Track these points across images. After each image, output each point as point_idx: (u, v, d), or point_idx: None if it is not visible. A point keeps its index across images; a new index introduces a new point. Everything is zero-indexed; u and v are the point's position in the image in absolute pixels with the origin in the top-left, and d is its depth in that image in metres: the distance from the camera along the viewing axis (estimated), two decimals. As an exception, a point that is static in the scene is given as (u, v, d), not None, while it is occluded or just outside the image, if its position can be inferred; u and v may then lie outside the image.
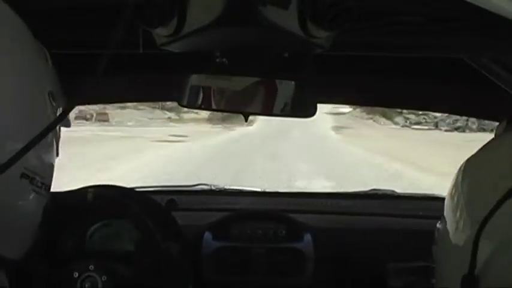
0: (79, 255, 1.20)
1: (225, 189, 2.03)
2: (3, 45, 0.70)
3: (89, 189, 1.32)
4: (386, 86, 1.40)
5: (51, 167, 0.80)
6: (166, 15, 0.73)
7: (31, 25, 0.75)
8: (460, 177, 0.81)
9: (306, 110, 0.98)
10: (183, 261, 1.46)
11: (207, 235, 1.56)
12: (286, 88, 0.95)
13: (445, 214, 0.83)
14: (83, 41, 0.99)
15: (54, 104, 0.79)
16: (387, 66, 1.27)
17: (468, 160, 0.82)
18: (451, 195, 0.81)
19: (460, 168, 0.83)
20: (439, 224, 0.86)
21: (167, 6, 0.73)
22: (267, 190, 2.10)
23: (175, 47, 0.84)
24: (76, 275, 1.12)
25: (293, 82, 0.94)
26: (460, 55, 1.03)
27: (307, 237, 1.56)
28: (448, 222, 0.80)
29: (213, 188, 2.04)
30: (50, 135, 0.78)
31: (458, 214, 0.76)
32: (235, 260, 1.53)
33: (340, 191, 2.08)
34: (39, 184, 0.74)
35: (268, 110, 0.97)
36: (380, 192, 1.96)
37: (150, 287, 1.29)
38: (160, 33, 0.79)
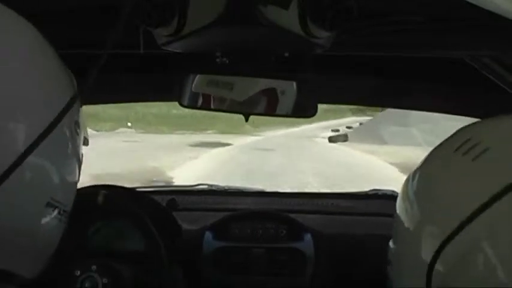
0: (80, 255, 1.20)
1: (226, 189, 2.04)
2: (40, 77, 0.72)
3: (90, 189, 1.32)
4: (387, 86, 1.40)
5: (73, 194, 0.81)
6: (167, 15, 0.73)
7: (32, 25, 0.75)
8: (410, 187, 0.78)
9: (306, 110, 0.98)
10: (183, 261, 1.46)
11: (208, 235, 1.56)
12: (286, 88, 0.96)
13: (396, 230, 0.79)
14: (83, 41, 0.99)
15: (78, 133, 0.80)
16: (387, 66, 1.27)
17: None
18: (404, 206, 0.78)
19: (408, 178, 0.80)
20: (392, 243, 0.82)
21: (168, 6, 0.73)
22: (268, 190, 2.10)
23: (176, 47, 0.84)
24: (78, 273, 1.12)
25: (294, 82, 0.94)
26: (460, 55, 1.04)
27: (308, 237, 1.56)
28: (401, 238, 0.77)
29: (213, 188, 2.04)
30: (74, 161, 0.79)
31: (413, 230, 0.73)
32: (236, 260, 1.53)
33: (341, 192, 2.08)
34: (62, 212, 0.76)
35: (268, 110, 0.98)
36: (380, 193, 1.96)
37: (151, 287, 1.29)
38: (161, 33, 0.79)
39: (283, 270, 1.53)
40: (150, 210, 1.38)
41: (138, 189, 1.68)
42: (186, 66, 0.97)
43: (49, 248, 0.78)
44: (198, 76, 0.96)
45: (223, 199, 1.92)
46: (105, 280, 1.12)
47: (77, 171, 0.82)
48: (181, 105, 0.99)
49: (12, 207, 0.67)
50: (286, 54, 0.88)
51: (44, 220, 0.73)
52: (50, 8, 0.91)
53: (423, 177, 0.76)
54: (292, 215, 1.64)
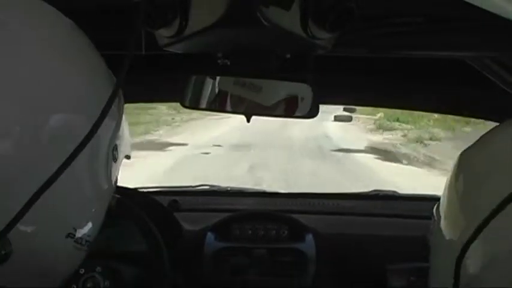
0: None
1: (227, 190, 2.04)
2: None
3: None
4: (387, 86, 1.41)
5: (98, 226, 0.77)
6: (168, 16, 0.74)
7: None
8: (454, 173, 0.77)
9: (307, 110, 0.98)
10: (185, 262, 1.47)
11: (209, 236, 1.56)
12: (288, 89, 0.96)
13: (440, 211, 0.79)
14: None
15: (115, 158, 0.75)
16: (388, 66, 1.27)
17: (463, 154, 0.78)
18: (446, 192, 0.78)
19: (455, 163, 0.79)
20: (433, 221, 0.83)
21: (170, 8, 0.73)
22: (269, 191, 2.10)
23: (177, 48, 0.84)
24: (82, 271, 1.12)
25: (295, 83, 0.94)
26: (460, 55, 1.04)
27: (309, 237, 1.56)
28: (441, 222, 0.77)
29: (215, 188, 2.04)
30: (105, 189, 0.75)
31: (451, 214, 0.73)
32: (237, 261, 1.53)
33: (342, 192, 2.09)
34: (83, 242, 0.72)
35: (270, 111, 0.98)
36: (381, 193, 1.96)
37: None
38: (163, 34, 0.79)
39: (285, 270, 1.54)
40: (151, 211, 1.38)
41: (139, 190, 1.68)
42: (188, 68, 0.97)
43: (62, 275, 0.75)
44: (200, 77, 0.96)
45: (225, 200, 1.92)
46: (107, 283, 1.13)
47: (107, 200, 0.78)
48: (183, 105, 1.00)
49: (34, 234, 0.64)
50: (288, 56, 0.88)
51: (63, 249, 0.70)
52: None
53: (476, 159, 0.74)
54: (294, 216, 1.64)
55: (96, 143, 0.61)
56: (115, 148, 0.74)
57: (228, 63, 0.88)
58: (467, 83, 1.25)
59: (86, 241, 0.73)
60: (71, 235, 0.69)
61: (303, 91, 0.94)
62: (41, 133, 0.60)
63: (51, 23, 0.69)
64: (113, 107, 0.61)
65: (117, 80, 0.60)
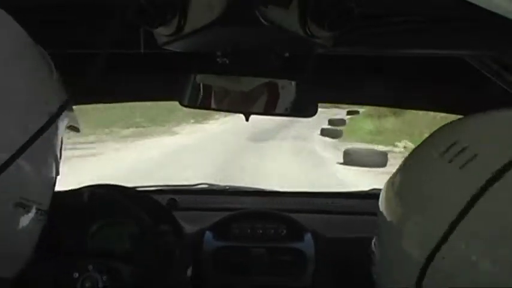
0: (80, 255, 1.20)
1: (226, 188, 2.04)
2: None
3: (90, 189, 1.32)
4: (387, 86, 1.41)
5: (51, 190, 0.79)
6: (167, 15, 0.73)
7: (29, 24, 0.75)
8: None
9: (306, 109, 0.98)
10: (183, 261, 1.46)
11: (208, 235, 1.56)
12: (287, 88, 0.96)
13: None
14: (83, 40, 0.99)
15: (55, 128, 0.78)
16: (387, 66, 1.27)
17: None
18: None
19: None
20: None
21: (168, 6, 0.73)
22: (268, 190, 2.10)
23: (176, 47, 0.84)
24: (76, 275, 1.12)
25: (294, 82, 0.94)
26: (460, 54, 1.04)
27: (308, 237, 1.56)
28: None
29: (213, 187, 2.04)
30: (49, 157, 0.77)
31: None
32: (236, 260, 1.53)
33: (341, 191, 2.09)
34: (35, 210, 0.73)
35: (269, 110, 0.98)
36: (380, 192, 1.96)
37: (151, 286, 1.29)
38: (162, 32, 0.79)
39: (284, 270, 1.54)
40: (150, 209, 1.38)
41: (138, 189, 1.68)
42: (187, 66, 0.97)
43: (27, 247, 0.76)
44: (198, 76, 0.96)
45: (224, 199, 1.92)
46: (104, 278, 1.13)
47: (54, 169, 0.80)
48: (182, 104, 0.99)
49: None
50: (287, 54, 0.88)
51: (16, 220, 0.70)
52: (48, 6, 0.91)
53: (407, 183, 0.75)
54: (292, 215, 1.64)
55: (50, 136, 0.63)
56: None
57: (227, 62, 0.88)
58: (467, 82, 1.24)
59: (38, 209, 0.74)
60: (19, 204, 0.70)
61: (300, 90, 0.94)
62: None
63: None
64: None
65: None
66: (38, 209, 0.74)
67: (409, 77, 1.33)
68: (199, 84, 0.98)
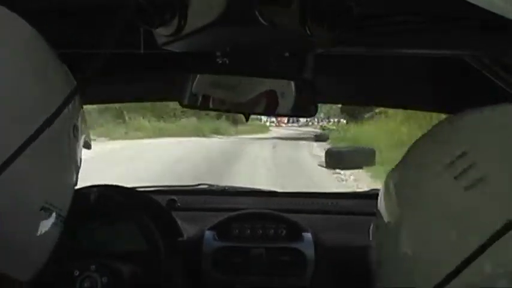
0: (80, 255, 1.20)
1: (226, 189, 2.04)
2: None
3: (90, 189, 1.32)
4: (387, 86, 1.41)
5: (70, 198, 0.80)
6: (167, 15, 0.73)
7: (30, 24, 0.75)
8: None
9: (306, 109, 0.98)
10: (183, 261, 1.46)
11: (208, 235, 1.56)
12: (287, 88, 0.96)
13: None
14: (83, 40, 0.99)
15: (76, 137, 0.79)
16: (387, 66, 1.27)
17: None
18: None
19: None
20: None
21: (168, 6, 0.73)
22: (268, 190, 2.10)
23: (176, 47, 0.84)
24: (77, 273, 1.12)
25: (294, 82, 0.94)
26: (459, 54, 1.04)
27: (308, 237, 1.56)
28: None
29: (213, 188, 2.04)
30: (71, 165, 0.78)
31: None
32: (236, 260, 1.53)
33: (341, 191, 2.09)
34: (56, 215, 0.74)
35: (268, 110, 0.98)
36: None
37: (150, 286, 1.29)
38: (161, 32, 0.79)
39: (283, 270, 1.54)
40: (150, 210, 1.38)
41: (138, 189, 1.68)
42: (187, 66, 0.97)
43: (44, 252, 0.77)
44: (198, 76, 0.96)
45: (223, 199, 1.92)
46: (104, 279, 1.13)
47: (74, 175, 0.81)
48: (182, 105, 0.99)
49: (6, 210, 0.66)
50: (287, 54, 0.88)
51: (39, 224, 0.71)
52: (48, 7, 0.91)
53: (409, 192, 0.70)
54: (292, 215, 1.64)
55: (58, 122, 0.63)
56: (75, 128, 0.78)
57: (227, 62, 0.88)
58: (467, 83, 1.24)
59: (59, 215, 0.75)
60: (44, 208, 0.71)
61: (300, 90, 0.94)
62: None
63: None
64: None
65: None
66: (58, 215, 0.75)
67: (409, 77, 1.33)
68: (200, 84, 0.98)
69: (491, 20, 0.65)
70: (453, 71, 1.21)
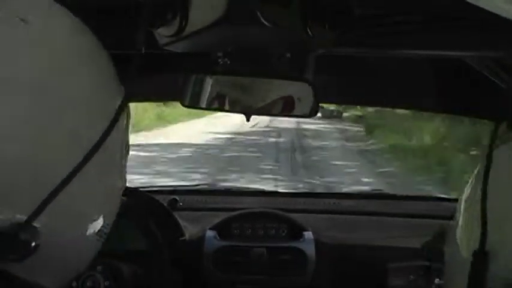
0: None
1: (227, 188, 2.05)
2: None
3: None
4: (386, 86, 1.41)
5: (114, 216, 0.77)
6: (168, 16, 0.74)
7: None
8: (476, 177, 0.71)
9: (306, 110, 0.98)
10: (184, 260, 1.47)
11: (209, 234, 1.57)
12: (287, 88, 0.96)
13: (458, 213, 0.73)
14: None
15: (128, 153, 0.75)
16: (387, 66, 1.27)
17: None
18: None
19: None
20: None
21: (169, 6, 0.73)
22: (269, 190, 2.11)
23: (177, 47, 0.84)
24: None
25: (294, 82, 0.94)
26: (460, 55, 1.04)
27: (308, 236, 1.57)
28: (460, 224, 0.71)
29: (214, 187, 2.05)
30: (120, 183, 0.75)
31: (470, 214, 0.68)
32: (237, 260, 1.53)
33: (342, 191, 2.09)
34: (103, 234, 0.72)
35: (269, 110, 0.98)
36: (382, 193, 1.97)
37: (152, 286, 1.29)
38: (163, 33, 0.79)
39: (284, 269, 1.54)
40: (151, 209, 1.39)
41: (139, 189, 1.68)
42: (188, 67, 0.97)
43: (83, 264, 0.75)
44: (200, 76, 0.96)
45: (224, 199, 1.93)
46: (107, 283, 1.13)
47: (120, 193, 0.78)
48: (183, 105, 1.00)
49: (55, 227, 0.63)
50: (288, 55, 0.88)
51: (86, 236, 0.70)
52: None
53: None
54: (293, 215, 1.64)
55: (111, 141, 0.61)
56: (126, 144, 0.74)
57: (228, 62, 0.88)
58: (467, 83, 1.24)
59: (104, 233, 0.73)
60: (100, 231, 0.70)
61: (301, 90, 0.94)
62: (54, 133, 0.60)
63: (61, 22, 0.68)
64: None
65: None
66: (105, 233, 0.73)
67: (409, 78, 1.34)
68: (200, 85, 0.98)
69: (491, 20, 0.65)
70: (453, 71, 1.21)
